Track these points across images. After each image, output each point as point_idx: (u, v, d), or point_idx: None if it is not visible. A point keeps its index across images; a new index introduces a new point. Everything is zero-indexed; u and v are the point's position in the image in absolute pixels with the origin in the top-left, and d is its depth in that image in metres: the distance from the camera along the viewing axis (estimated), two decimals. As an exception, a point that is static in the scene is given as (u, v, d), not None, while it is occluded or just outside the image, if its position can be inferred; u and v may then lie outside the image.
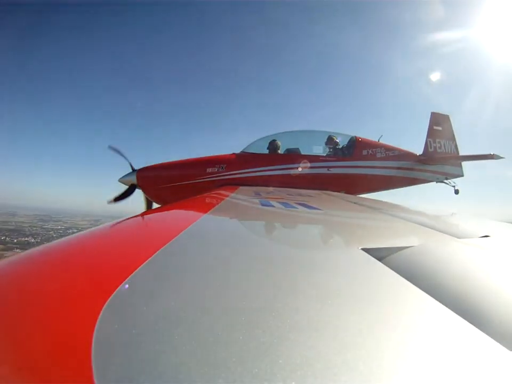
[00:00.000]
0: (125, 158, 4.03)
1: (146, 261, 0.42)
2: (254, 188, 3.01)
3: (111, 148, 4.00)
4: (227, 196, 2.00)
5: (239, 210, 1.46)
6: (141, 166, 4.01)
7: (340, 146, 4.32)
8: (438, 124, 4.99)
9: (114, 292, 0.32)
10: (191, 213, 1.27)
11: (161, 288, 0.35)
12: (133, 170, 3.98)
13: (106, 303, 0.30)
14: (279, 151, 4.17)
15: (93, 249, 0.58)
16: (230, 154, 4.09)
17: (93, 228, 0.74)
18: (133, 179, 3.89)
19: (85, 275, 0.41)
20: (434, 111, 5.08)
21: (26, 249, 0.60)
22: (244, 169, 3.89)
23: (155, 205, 4.09)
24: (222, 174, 3.84)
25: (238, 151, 4.17)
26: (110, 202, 3.98)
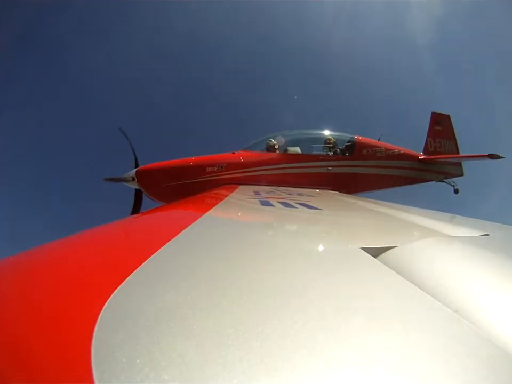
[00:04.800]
0: (132, 148, 3.92)
1: (146, 261, 0.42)
2: (254, 187, 3.01)
3: (121, 130, 3.90)
4: (227, 195, 2.00)
5: (239, 210, 1.46)
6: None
7: (340, 146, 4.32)
8: (439, 124, 4.98)
9: (115, 292, 0.32)
10: (191, 213, 1.27)
11: (162, 287, 0.35)
12: (136, 166, 3.94)
13: (107, 302, 0.30)
14: (278, 151, 4.17)
15: (93, 249, 0.58)
16: (229, 154, 4.09)
17: (93, 228, 0.74)
18: (133, 178, 3.88)
19: (84, 275, 0.41)
20: (435, 111, 5.09)
21: None
22: (244, 168, 3.89)
23: (150, 205, 4.08)
24: (222, 173, 3.83)
25: (237, 150, 4.17)
26: None
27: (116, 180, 3.91)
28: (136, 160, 3.96)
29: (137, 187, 3.93)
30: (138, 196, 3.99)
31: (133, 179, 3.84)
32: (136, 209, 3.95)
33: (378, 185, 4.56)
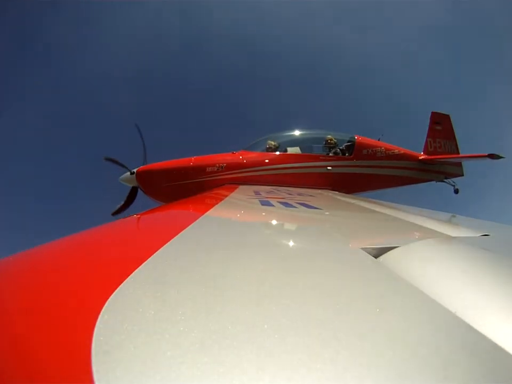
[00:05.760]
0: (143, 146, 3.98)
1: (147, 261, 0.42)
2: (254, 187, 3.01)
3: (136, 126, 3.99)
4: (227, 195, 2.00)
5: (238, 210, 1.46)
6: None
7: (340, 146, 4.33)
8: (438, 124, 4.98)
9: (115, 291, 0.32)
10: (191, 213, 1.27)
11: (162, 287, 0.35)
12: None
13: (107, 302, 0.30)
14: (278, 150, 4.17)
15: (93, 249, 0.58)
16: (229, 154, 4.09)
17: (92, 227, 0.74)
18: (133, 179, 3.88)
19: (84, 274, 0.41)
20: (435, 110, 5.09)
21: None
22: (244, 168, 3.89)
23: (149, 207, 4.07)
24: (222, 173, 3.83)
25: (237, 150, 4.18)
26: (114, 213, 3.88)
27: (116, 162, 3.91)
28: (145, 159, 3.98)
29: (134, 185, 3.94)
30: (131, 196, 4.00)
31: (132, 173, 3.86)
32: (123, 208, 3.95)
33: (378, 185, 4.57)
